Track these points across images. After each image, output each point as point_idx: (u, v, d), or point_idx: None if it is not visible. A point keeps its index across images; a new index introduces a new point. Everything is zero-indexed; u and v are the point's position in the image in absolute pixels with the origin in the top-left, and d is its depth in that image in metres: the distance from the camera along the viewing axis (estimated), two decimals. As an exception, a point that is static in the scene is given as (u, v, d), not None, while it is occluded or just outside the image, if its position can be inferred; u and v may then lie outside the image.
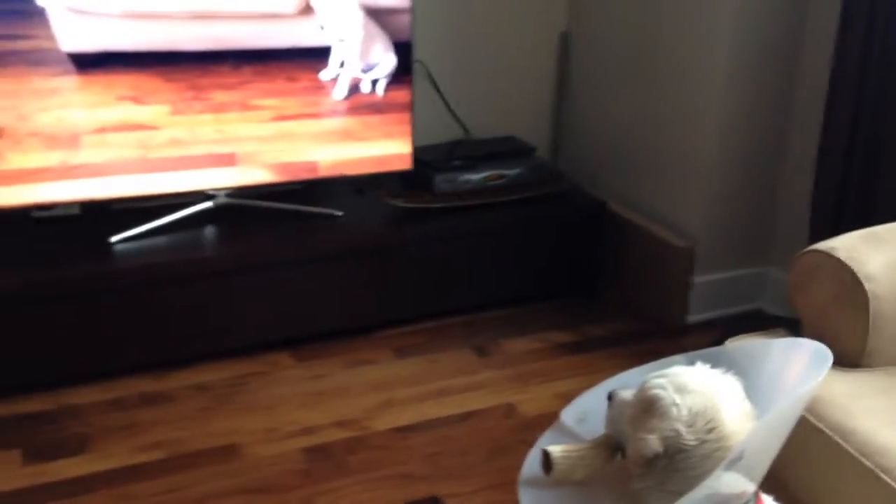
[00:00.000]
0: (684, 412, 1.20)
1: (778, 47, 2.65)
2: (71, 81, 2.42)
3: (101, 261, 2.43)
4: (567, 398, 2.37)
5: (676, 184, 2.83)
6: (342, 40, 2.63)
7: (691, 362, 1.33)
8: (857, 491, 1.43)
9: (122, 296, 2.40)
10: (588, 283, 2.96)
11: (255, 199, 2.71)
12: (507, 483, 2.07)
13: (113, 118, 2.47)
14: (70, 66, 2.41)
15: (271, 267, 2.54)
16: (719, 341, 2.56)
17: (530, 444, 2.21)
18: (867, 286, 1.63)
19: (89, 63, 2.44)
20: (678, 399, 1.21)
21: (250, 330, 2.56)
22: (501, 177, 2.91)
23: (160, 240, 2.54)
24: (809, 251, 1.74)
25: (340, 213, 2.72)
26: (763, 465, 1.22)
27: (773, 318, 2.74)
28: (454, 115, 3.13)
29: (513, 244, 2.82)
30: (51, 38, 2.35)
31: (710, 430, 1.19)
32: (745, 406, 1.23)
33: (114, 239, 2.49)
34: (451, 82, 3.09)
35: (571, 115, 3.27)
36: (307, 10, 2.61)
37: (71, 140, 2.44)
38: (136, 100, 2.51)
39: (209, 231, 2.62)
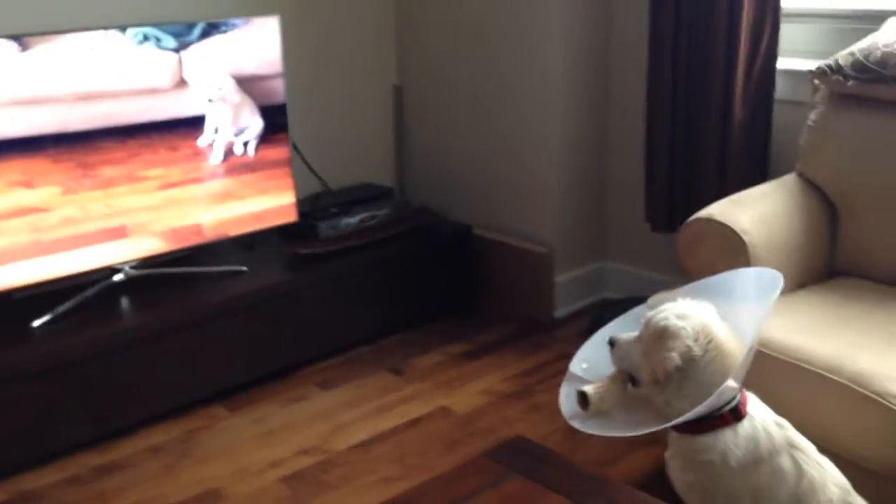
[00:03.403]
0: (690, 331, 1.59)
1: (595, 73, 3.19)
2: (-40, 172, 2.44)
3: (29, 345, 2.44)
4: (489, 393, 2.75)
5: (526, 202, 3.28)
6: (217, 108, 2.82)
7: (652, 307, 1.73)
8: (783, 381, 1.89)
9: (55, 375, 2.42)
10: (466, 299, 3.33)
11: (159, 267, 2.81)
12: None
13: (4, 205, 2.50)
14: (-41, 157, 2.44)
15: (192, 327, 2.66)
16: (592, 327, 3.04)
17: (475, 435, 2.55)
18: (744, 237, 2.13)
19: (-23, 152, 2.47)
20: (682, 323, 1.60)
21: (182, 390, 2.66)
22: (374, 217, 3.22)
23: (78, 317, 2.59)
24: (692, 220, 2.22)
25: (245, 269, 2.89)
26: (746, 367, 1.63)
27: (621, 301, 3.24)
28: (312, 170, 3.39)
29: (397, 275, 3.12)
30: (-62, 131, 2.37)
31: (709, 342, 1.59)
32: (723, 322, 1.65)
33: (36, 323, 2.51)
34: (301, 141, 3.35)
35: (415, 156, 3.65)
36: (181, 83, 2.79)
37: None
38: (27, 184, 2.56)
39: (124, 302, 2.69)
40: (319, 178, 3.42)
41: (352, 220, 3.16)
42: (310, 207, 3.19)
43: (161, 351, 2.60)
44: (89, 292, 2.66)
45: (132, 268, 2.76)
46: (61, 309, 2.58)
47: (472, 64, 3.35)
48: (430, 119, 3.58)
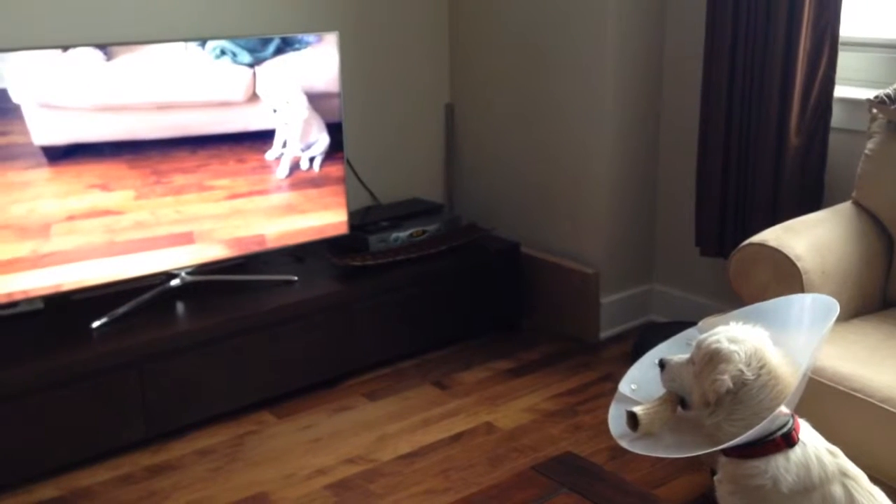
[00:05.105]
0: (742, 355, 1.59)
1: (647, 95, 3.21)
2: (43, 173, 2.53)
3: (87, 346, 2.51)
4: (533, 410, 2.76)
5: (575, 221, 3.30)
6: (287, 123, 2.89)
7: (703, 331, 1.74)
8: (836, 409, 1.88)
9: (111, 376, 2.49)
10: (512, 317, 3.35)
11: (214, 273, 2.88)
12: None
13: (82, 206, 2.59)
14: (42, 159, 2.52)
15: (244, 333, 2.71)
16: (637, 350, 3.04)
17: (519, 451, 2.56)
18: (798, 264, 2.12)
19: (60, 155, 2.56)
20: (734, 346, 1.60)
21: (232, 395, 2.71)
22: (424, 232, 3.25)
23: (135, 320, 2.65)
24: (745, 245, 2.22)
25: (296, 279, 2.94)
26: (799, 393, 1.63)
27: (666, 324, 3.24)
28: (363, 184, 3.45)
29: (445, 289, 3.15)
30: (24, 133, 2.46)
31: (762, 367, 1.59)
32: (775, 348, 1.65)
33: (95, 324, 2.58)
34: (354, 156, 3.41)
35: (465, 173, 3.69)
36: (254, 97, 2.86)
37: (42, 229, 2.53)
38: (104, 187, 2.64)
39: (180, 307, 2.75)
40: (370, 192, 3.47)
41: (402, 235, 3.20)
42: (359, 221, 3.24)
43: (213, 356, 2.66)
44: (147, 296, 2.73)
45: (188, 273, 2.83)
46: (119, 311, 2.65)
47: (524, 84, 3.38)
48: (481, 137, 3.62)
